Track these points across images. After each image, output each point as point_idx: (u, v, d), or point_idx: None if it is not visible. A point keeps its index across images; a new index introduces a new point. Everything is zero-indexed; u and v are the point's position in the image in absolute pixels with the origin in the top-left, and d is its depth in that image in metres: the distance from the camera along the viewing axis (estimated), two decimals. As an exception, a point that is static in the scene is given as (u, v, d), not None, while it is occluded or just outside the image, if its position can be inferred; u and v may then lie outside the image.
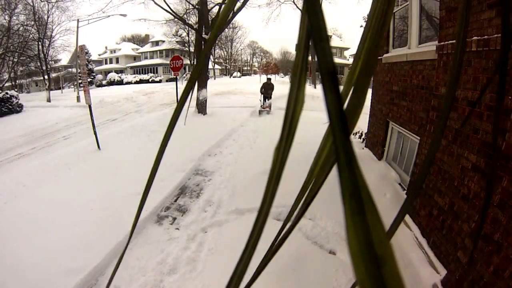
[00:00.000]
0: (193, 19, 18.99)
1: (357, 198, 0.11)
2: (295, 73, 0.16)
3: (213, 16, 10.46)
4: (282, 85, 21.98)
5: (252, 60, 57.50)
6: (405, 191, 3.52)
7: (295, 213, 0.23)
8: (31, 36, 19.60)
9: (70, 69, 34.58)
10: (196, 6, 10.40)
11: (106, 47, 44.71)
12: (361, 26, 18.61)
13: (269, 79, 10.66)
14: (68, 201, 3.57)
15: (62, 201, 3.59)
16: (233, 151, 5.84)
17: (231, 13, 9.35)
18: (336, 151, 0.11)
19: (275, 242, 0.23)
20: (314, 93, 14.44)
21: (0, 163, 5.65)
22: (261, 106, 10.30)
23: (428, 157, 0.22)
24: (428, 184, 2.65)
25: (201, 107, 9.31)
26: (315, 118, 6.59)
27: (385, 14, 0.17)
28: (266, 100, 10.63)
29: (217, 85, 22.95)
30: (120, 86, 30.81)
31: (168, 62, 11.61)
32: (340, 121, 0.12)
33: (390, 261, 0.10)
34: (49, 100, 16.53)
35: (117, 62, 41.51)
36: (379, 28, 0.16)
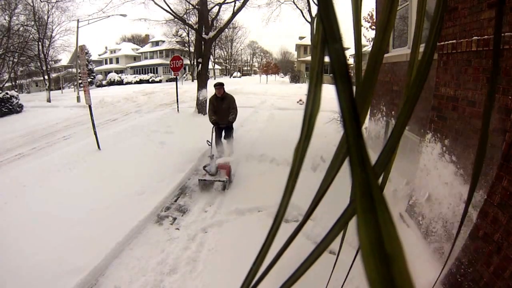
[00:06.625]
0: (193, 19, 18.99)
1: (368, 196, 0.11)
2: (312, 75, 0.16)
3: (213, 16, 10.44)
4: (282, 85, 21.98)
5: (252, 60, 57.51)
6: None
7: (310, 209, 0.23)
8: (31, 36, 19.61)
9: (70, 69, 34.55)
10: (196, 6, 10.40)
11: (106, 47, 44.71)
12: (362, 26, 18.61)
13: (219, 86, 4.76)
14: (68, 201, 3.57)
15: (62, 201, 3.58)
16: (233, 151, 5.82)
17: (232, 13, 9.37)
18: (348, 149, 0.11)
19: (289, 240, 0.24)
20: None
21: (0, 163, 5.65)
22: (204, 167, 4.09)
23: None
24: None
25: (201, 107, 9.31)
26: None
27: (388, 16, 0.17)
28: (222, 137, 5.02)
29: (217, 85, 22.87)
30: (120, 86, 30.79)
31: (168, 62, 11.59)
32: (354, 119, 0.12)
33: (400, 259, 0.10)
34: (49, 100, 16.53)
35: (117, 62, 41.52)
36: (382, 30, 0.17)
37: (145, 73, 37.01)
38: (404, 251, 0.10)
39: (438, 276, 1.73)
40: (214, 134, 4.67)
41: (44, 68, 20.80)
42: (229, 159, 4.42)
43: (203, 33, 9.39)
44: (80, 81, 15.48)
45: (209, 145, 4.47)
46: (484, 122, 0.34)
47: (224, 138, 5.05)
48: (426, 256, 2.44)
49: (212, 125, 4.72)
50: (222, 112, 4.79)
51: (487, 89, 1.85)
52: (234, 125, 5.07)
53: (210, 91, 10.49)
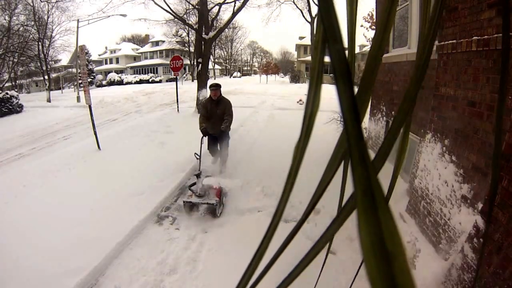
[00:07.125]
0: (193, 19, 18.99)
1: (369, 194, 0.11)
2: (312, 75, 0.16)
3: (213, 16, 10.44)
4: (282, 85, 21.95)
5: (252, 60, 57.50)
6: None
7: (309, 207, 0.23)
8: (31, 36, 19.64)
9: (70, 69, 34.55)
10: (196, 6, 10.40)
11: (106, 47, 44.72)
12: (361, 26, 18.59)
13: (215, 88, 4.25)
14: (68, 201, 3.57)
15: (62, 201, 3.58)
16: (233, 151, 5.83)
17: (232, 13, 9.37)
18: (349, 148, 0.11)
19: (288, 239, 0.24)
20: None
21: (0, 163, 5.65)
22: (190, 187, 3.40)
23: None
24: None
25: (201, 107, 9.30)
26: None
27: (387, 16, 0.17)
28: (215, 149, 4.46)
29: (217, 85, 22.86)
30: (120, 86, 30.80)
31: (168, 62, 11.58)
32: (354, 119, 0.12)
33: (401, 257, 0.10)
34: (49, 100, 16.53)
35: (117, 62, 41.53)
36: (381, 31, 0.17)
37: (145, 73, 37.02)
38: (405, 248, 0.11)
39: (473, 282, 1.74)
40: (204, 145, 4.08)
41: (44, 68, 20.84)
42: (221, 179, 3.64)
43: (203, 33, 9.40)
44: (80, 81, 15.47)
45: (197, 158, 3.83)
46: (497, 122, 0.34)
47: (217, 150, 4.42)
48: (425, 255, 2.44)
49: (202, 135, 4.08)
50: (215, 117, 4.22)
51: (498, 89, 1.85)
52: (232, 127, 4.41)
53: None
